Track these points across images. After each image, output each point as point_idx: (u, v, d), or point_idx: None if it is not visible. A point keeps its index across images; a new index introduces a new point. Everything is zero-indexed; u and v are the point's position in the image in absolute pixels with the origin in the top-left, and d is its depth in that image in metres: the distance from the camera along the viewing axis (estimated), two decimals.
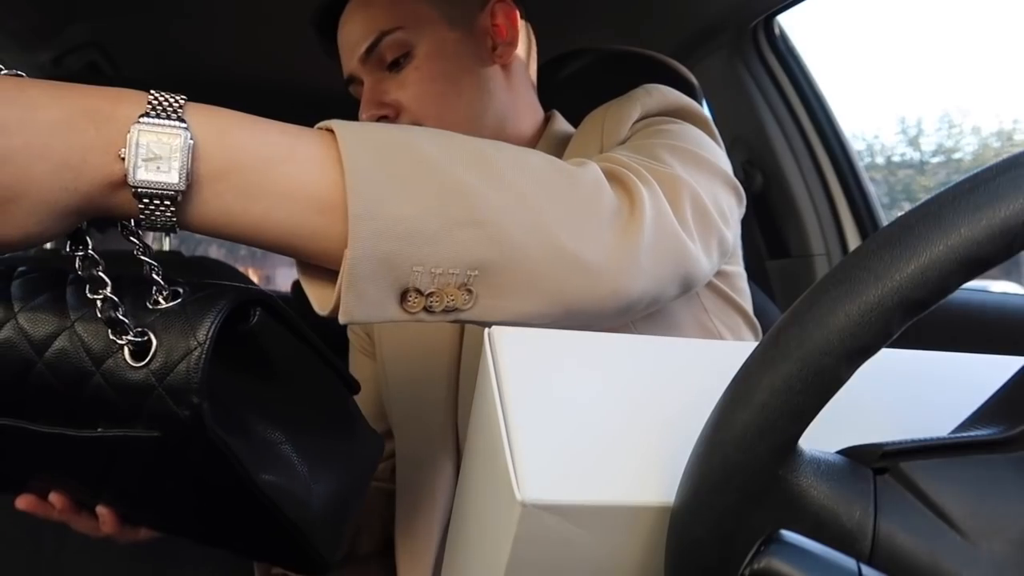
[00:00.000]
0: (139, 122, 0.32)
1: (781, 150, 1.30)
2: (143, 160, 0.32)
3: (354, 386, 0.50)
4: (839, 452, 0.30)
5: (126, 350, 0.36)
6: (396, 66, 0.69)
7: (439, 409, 0.69)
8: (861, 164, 1.29)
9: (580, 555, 0.33)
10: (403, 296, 0.38)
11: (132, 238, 0.37)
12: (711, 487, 0.27)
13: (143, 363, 0.36)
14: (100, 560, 0.83)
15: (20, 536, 0.83)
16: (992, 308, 1.02)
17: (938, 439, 0.29)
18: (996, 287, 1.31)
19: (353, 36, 0.70)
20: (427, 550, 0.68)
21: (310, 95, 1.63)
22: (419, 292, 0.37)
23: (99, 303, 0.36)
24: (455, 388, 0.69)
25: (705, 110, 0.72)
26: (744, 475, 0.26)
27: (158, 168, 0.32)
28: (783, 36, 1.30)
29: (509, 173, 0.40)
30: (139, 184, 0.32)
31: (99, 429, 0.37)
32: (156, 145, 0.32)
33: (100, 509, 0.49)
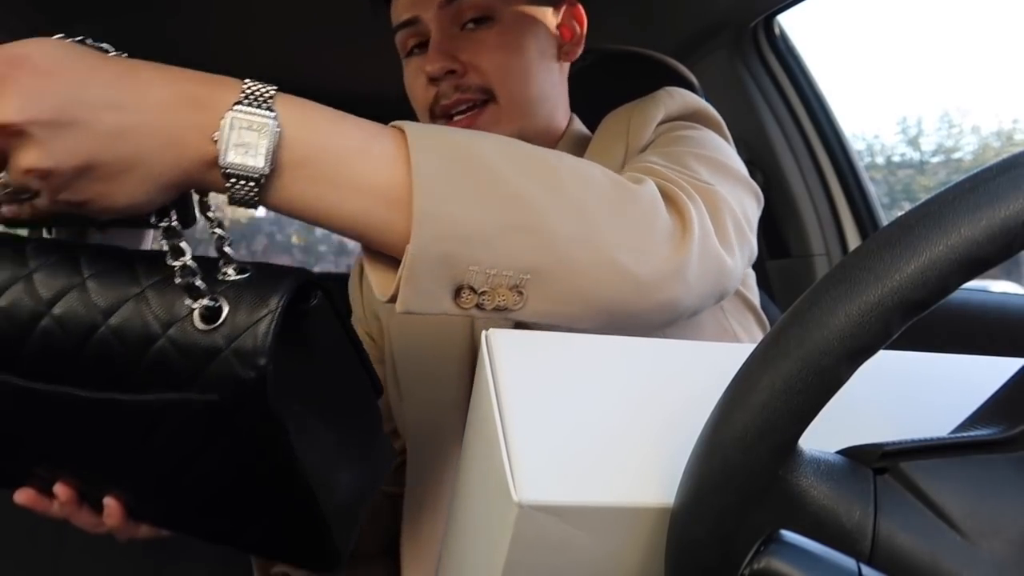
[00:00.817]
0: (233, 109, 0.35)
1: (781, 150, 1.30)
2: (233, 145, 0.35)
3: (379, 388, 0.51)
4: (839, 452, 0.30)
5: (197, 314, 0.38)
6: (472, 25, 0.66)
7: (451, 410, 0.69)
8: (861, 164, 1.29)
9: (577, 557, 0.33)
10: (457, 292, 0.40)
11: (207, 214, 0.41)
12: (711, 487, 0.27)
13: (213, 326, 0.38)
14: (100, 560, 0.83)
15: (20, 536, 0.83)
16: (992, 308, 1.02)
17: (938, 439, 0.29)
18: (996, 287, 1.31)
19: None
20: (433, 552, 0.68)
21: (310, 95, 1.63)
22: (472, 290, 0.39)
23: (178, 269, 0.38)
24: (467, 389, 0.69)
25: None
26: (744, 475, 0.26)
27: (246, 152, 0.36)
28: (783, 36, 1.30)
29: (570, 185, 0.41)
30: (228, 166, 0.35)
31: (152, 395, 0.39)
32: (246, 132, 0.36)
33: (108, 501, 0.49)
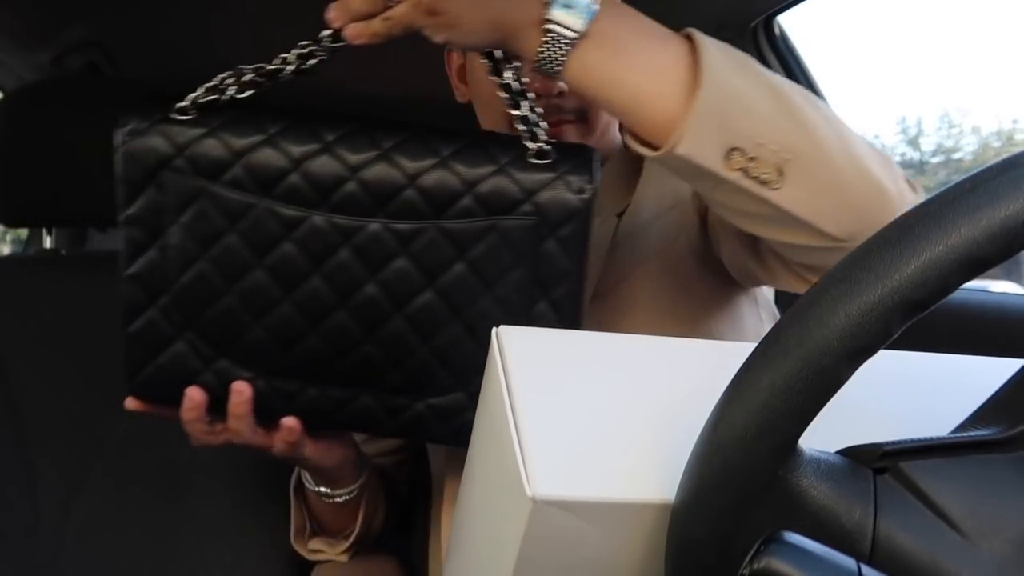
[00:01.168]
0: None
1: None
2: (562, 5, 0.43)
3: None
4: (839, 452, 0.30)
5: (531, 154, 0.50)
6: None
7: None
8: None
9: (590, 554, 0.33)
10: (728, 154, 0.44)
11: (517, 81, 0.49)
12: (711, 487, 0.27)
13: (546, 161, 0.49)
14: (100, 560, 0.83)
15: (19, 536, 0.83)
16: (992, 308, 1.02)
17: (938, 439, 0.29)
18: (996, 287, 1.31)
19: None
20: None
21: (311, 95, 1.63)
22: (742, 153, 0.44)
23: (528, 107, 0.49)
24: None
25: None
26: (744, 475, 0.26)
27: (568, 12, 0.43)
28: (783, 36, 1.30)
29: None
30: (553, 19, 0.43)
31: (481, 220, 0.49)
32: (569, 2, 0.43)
33: (287, 421, 0.54)
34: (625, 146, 0.50)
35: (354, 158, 0.48)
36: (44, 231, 0.99)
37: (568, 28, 0.43)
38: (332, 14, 0.45)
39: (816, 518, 0.27)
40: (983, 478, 0.27)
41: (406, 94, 1.53)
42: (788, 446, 0.26)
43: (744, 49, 1.52)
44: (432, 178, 0.49)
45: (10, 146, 0.90)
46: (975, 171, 0.25)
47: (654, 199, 0.71)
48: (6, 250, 2.30)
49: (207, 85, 0.50)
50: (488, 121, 0.72)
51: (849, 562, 0.24)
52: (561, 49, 0.44)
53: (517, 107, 0.49)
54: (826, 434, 0.29)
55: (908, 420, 0.36)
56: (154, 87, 0.96)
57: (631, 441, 0.34)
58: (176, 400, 0.53)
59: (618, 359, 0.38)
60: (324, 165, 0.48)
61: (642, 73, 0.45)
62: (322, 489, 0.67)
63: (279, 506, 0.87)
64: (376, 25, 0.45)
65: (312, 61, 0.48)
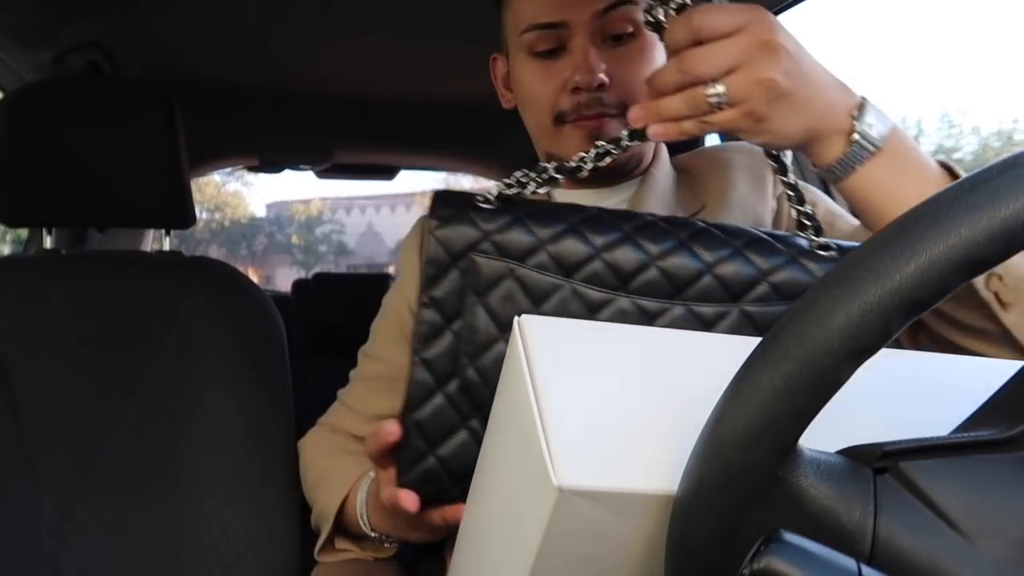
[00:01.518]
0: (864, 98, 0.49)
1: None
2: (867, 122, 0.48)
3: None
4: (839, 452, 0.30)
5: (816, 246, 0.53)
6: (615, 40, 0.66)
7: None
8: None
9: (613, 545, 0.33)
10: (989, 274, 0.48)
11: (792, 188, 0.54)
12: (711, 487, 0.27)
13: (830, 253, 0.52)
14: (100, 560, 0.83)
15: (19, 536, 0.83)
16: None
17: (938, 439, 0.29)
18: None
19: None
20: None
21: (311, 95, 1.63)
22: (999, 276, 0.48)
23: (803, 214, 0.54)
24: None
25: None
26: (744, 475, 0.26)
27: (872, 128, 0.48)
28: None
29: None
30: (860, 132, 0.48)
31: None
32: (873, 116, 0.49)
33: None
34: None
35: (655, 248, 0.51)
36: (44, 231, 0.99)
37: (870, 142, 0.48)
38: (637, 114, 0.48)
39: (816, 518, 0.27)
40: (983, 478, 0.27)
41: (409, 95, 1.54)
42: (788, 446, 0.26)
43: None
44: (729, 267, 0.51)
45: (10, 146, 0.90)
46: (975, 171, 0.25)
47: (719, 198, 0.71)
48: (6, 250, 2.30)
49: (507, 180, 0.54)
50: (531, 115, 0.72)
51: (849, 562, 0.24)
52: (858, 159, 0.48)
53: (801, 203, 0.54)
54: (826, 434, 0.29)
55: (908, 420, 0.36)
56: (154, 87, 0.96)
57: (656, 431, 0.33)
58: (451, 497, 0.52)
59: (642, 349, 0.38)
60: (626, 253, 0.51)
61: (916, 195, 0.47)
62: (388, 541, 0.69)
63: (279, 506, 0.87)
64: (690, 125, 0.47)
65: (608, 159, 0.53)
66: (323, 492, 0.72)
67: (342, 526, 0.72)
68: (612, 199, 0.73)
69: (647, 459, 0.32)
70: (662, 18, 0.48)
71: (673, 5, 0.48)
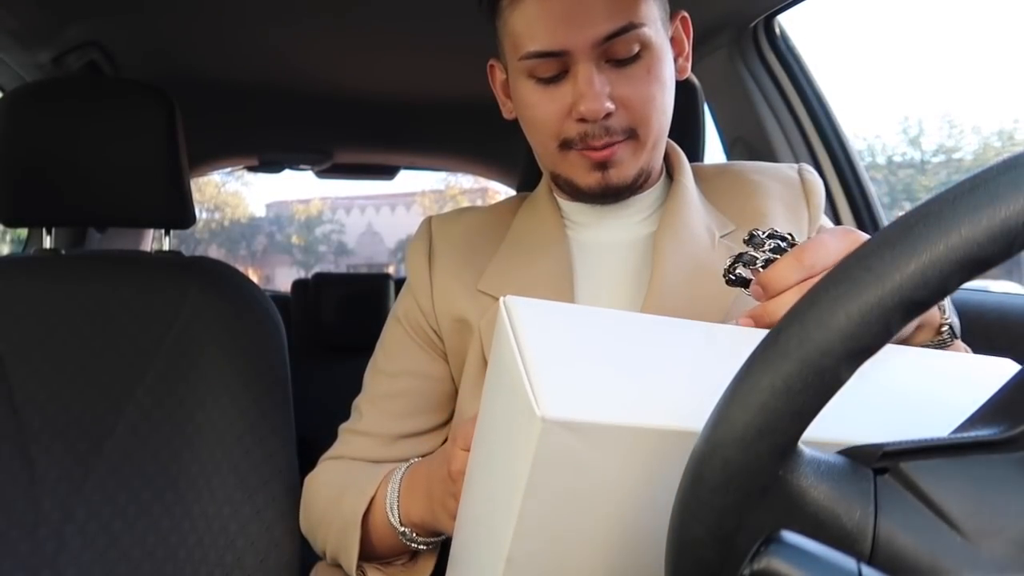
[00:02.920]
0: None
1: (781, 150, 1.30)
2: (949, 316, 0.52)
3: None
4: (839, 452, 0.30)
5: None
6: (621, 63, 0.63)
7: None
8: (862, 164, 1.28)
9: (598, 480, 0.35)
10: None
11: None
12: (711, 487, 0.27)
13: None
14: (99, 561, 0.83)
15: (20, 536, 0.83)
16: (992, 308, 1.02)
17: (938, 439, 0.29)
18: (996, 287, 1.31)
19: (594, 12, 0.61)
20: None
21: (311, 95, 1.63)
22: None
23: None
24: None
25: (706, 111, 0.74)
26: (744, 475, 0.26)
27: (951, 321, 0.51)
28: (783, 36, 1.30)
29: None
30: (951, 324, 0.51)
31: None
32: (950, 310, 0.52)
33: None
34: None
35: None
36: (44, 231, 0.99)
37: (953, 333, 0.52)
38: (749, 322, 0.45)
39: (816, 518, 0.27)
40: (984, 478, 0.27)
41: (409, 95, 1.53)
42: (788, 446, 0.26)
43: (744, 49, 1.53)
44: None
45: (10, 146, 0.90)
46: (976, 171, 0.25)
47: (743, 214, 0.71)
48: (6, 250, 2.30)
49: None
50: (535, 137, 0.69)
51: (849, 562, 0.24)
52: (942, 348, 0.51)
53: None
54: (826, 434, 0.29)
55: (908, 420, 0.36)
56: (154, 87, 0.96)
57: (632, 372, 0.36)
58: None
59: (621, 317, 0.41)
60: None
61: None
62: (424, 544, 0.66)
63: (279, 506, 0.87)
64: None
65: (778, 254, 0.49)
66: (345, 503, 0.69)
67: (365, 547, 0.68)
68: (631, 214, 0.71)
69: (624, 396, 0.35)
70: (747, 275, 0.48)
71: (760, 263, 0.47)
